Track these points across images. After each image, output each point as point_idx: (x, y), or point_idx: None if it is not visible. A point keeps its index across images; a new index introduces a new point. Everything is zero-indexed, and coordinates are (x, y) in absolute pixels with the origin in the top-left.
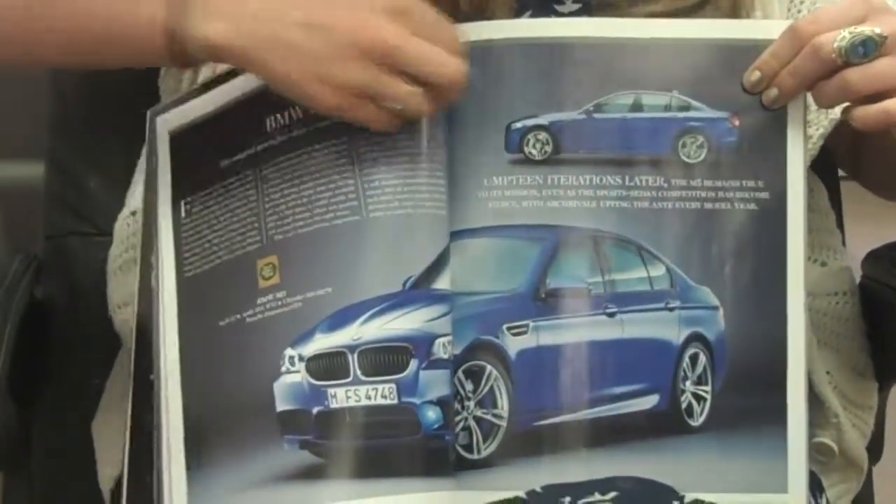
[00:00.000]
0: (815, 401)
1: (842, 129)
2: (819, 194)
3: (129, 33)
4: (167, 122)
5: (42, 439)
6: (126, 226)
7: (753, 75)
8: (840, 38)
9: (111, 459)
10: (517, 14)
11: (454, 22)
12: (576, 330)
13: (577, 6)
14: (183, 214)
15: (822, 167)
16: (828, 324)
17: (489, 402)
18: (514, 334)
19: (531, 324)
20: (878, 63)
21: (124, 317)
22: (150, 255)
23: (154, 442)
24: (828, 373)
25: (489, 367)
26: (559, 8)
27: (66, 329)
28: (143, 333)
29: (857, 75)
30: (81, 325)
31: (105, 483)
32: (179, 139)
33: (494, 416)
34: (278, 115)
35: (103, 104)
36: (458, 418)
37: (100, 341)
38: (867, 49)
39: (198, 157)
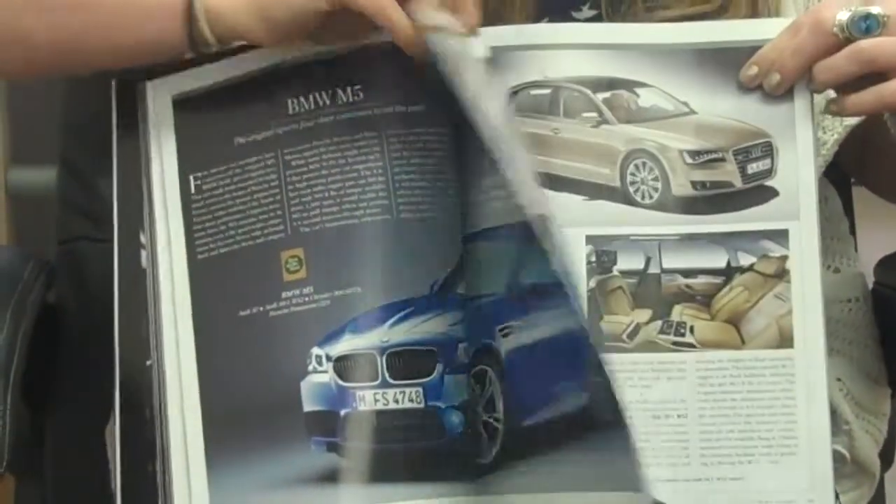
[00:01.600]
0: None
1: (850, 134)
2: (833, 201)
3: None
4: (167, 86)
5: (54, 443)
6: None
7: (751, 69)
8: (841, 13)
9: None
10: (535, 20)
11: None
12: (548, 325)
13: (593, 12)
14: (192, 190)
15: (835, 174)
16: (840, 331)
17: (491, 405)
18: (504, 335)
19: (514, 324)
20: (886, 38)
21: None
22: (137, 232)
23: (158, 431)
24: (839, 380)
25: (489, 371)
26: (576, 14)
27: (79, 333)
28: (126, 315)
29: (869, 44)
30: (94, 330)
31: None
32: (182, 107)
33: (495, 419)
34: (302, 99)
35: None
36: None
37: (111, 345)
38: (869, 25)
39: (208, 129)
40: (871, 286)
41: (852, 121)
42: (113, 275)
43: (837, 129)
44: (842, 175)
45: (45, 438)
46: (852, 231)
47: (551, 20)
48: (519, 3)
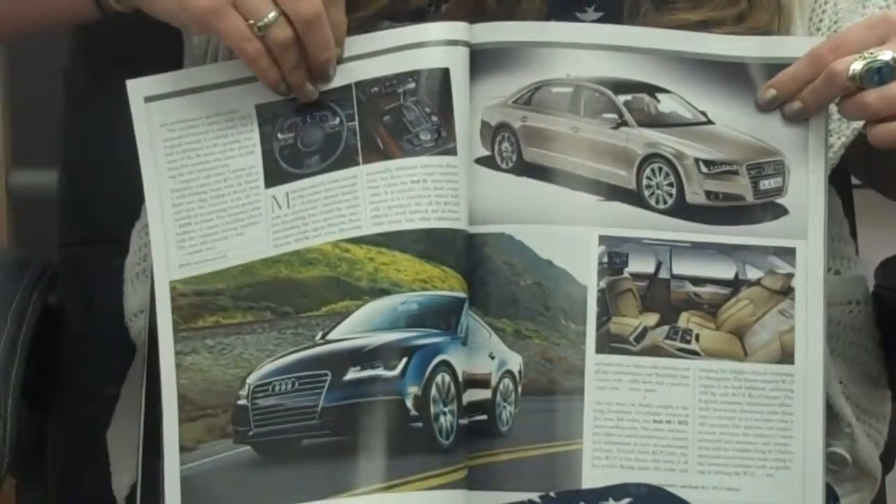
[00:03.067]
0: (828, 411)
1: (856, 138)
2: (833, 204)
3: None
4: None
5: (55, 446)
6: (141, 236)
7: (768, 93)
8: (854, 65)
9: (126, 467)
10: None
11: (477, 21)
12: None
13: (598, 14)
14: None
15: (836, 176)
16: (841, 333)
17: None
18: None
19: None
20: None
21: (140, 325)
22: None
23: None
24: (840, 382)
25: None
26: (582, 17)
27: (80, 336)
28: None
29: (873, 97)
30: (95, 333)
31: (119, 490)
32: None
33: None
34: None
35: (118, 112)
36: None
37: (113, 349)
38: (882, 76)
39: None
40: (871, 289)
41: (858, 124)
42: (114, 278)
43: (844, 132)
44: (842, 177)
45: (47, 441)
46: (853, 233)
47: (560, 20)
48: (526, 4)
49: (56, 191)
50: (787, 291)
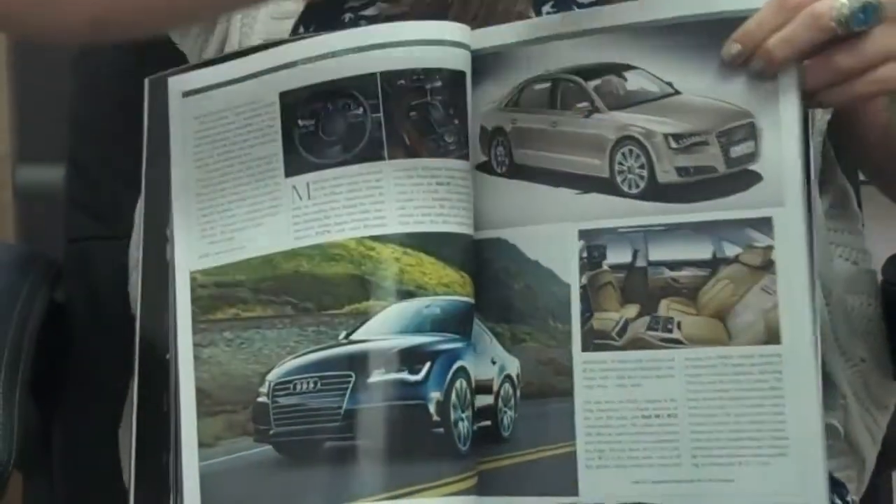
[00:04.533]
0: (825, 382)
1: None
2: (850, 196)
3: None
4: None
5: (62, 442)
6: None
7: (733, 47)
8: (839, 5)
9: None
10: (537, 6)
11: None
12: None
13: None
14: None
15: (846, 170)
16: (858, 322)
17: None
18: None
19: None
20: (871, 36)
21: None
22: (163, 225)
23: (172, 423)
24: (863, 360)
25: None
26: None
27: (87, 332)
28: (148, 308)
29: (875, 40)
30: (102, 328)
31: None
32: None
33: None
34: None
35: (125, 107)
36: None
37: (121, 344)
38: (867, 16)
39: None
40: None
41: None
42: (122, 273)
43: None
44: (852, 170)
45: (53, 436)
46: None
47: (555, 5)
48: None
49: (63, 186)
50: (767, 266)
